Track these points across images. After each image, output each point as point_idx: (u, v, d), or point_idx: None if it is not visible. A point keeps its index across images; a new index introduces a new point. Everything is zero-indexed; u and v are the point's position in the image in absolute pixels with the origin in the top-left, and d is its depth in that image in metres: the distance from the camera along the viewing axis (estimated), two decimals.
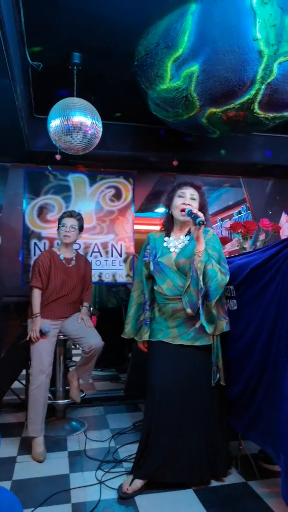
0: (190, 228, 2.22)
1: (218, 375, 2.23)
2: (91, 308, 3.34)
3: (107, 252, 3.87)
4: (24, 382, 3.57)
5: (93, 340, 2.89)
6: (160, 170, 3.93)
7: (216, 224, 6.28)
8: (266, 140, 3.81)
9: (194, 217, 2.03)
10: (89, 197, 3.87)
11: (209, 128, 2.57)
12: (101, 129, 2.56)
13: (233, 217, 5.88)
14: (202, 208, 2.29)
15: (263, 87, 2.16)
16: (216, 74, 2.13)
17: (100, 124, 2.53)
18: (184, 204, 2.22)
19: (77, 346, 4.82)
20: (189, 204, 2.22)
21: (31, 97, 3.02)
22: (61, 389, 3.23)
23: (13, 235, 3.68)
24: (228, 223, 3.63)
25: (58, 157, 3.31)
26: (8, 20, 1.91)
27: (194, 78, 2.18)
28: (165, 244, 2.32)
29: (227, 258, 2.72)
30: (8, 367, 3.57)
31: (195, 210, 2.10)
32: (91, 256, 3.80)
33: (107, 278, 3.85)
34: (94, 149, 2.84)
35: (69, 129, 2.38)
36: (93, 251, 3.85)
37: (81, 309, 3.12)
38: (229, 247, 3.80)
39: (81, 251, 3.74)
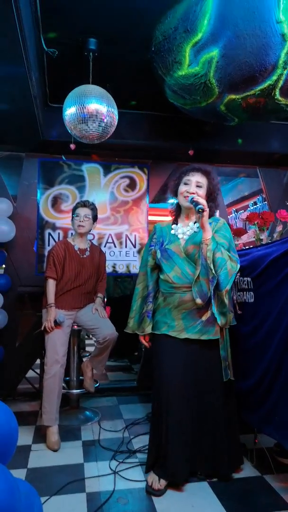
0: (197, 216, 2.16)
1: (229, 371, 2.18)
2: (105, 299, 3.32)
3: (121, 243, 3.84)
4: (38, 371, 3.60)
5: (108, 330, 2.88)
6: (175, 160, 3.86)
7: (231, 215, 6.19)
8: (284, 129, 3.71)
9: (195, 204, 1.98)
10: (103, 187, 3.84)
11: (227, 115, 2.50)
12: (117, 117, 2.52)
13: (249, 208, 5.79)
14: (211, 194, 2.19)
15: (285, 72, 2.09)
16: (237, 59, 2.06)
17: (116, 112, 2.49)
18: (188, 192, 2.12)
19: (91, 337, 4.85)
20: (193, 192, 2.11)
21: (45, 85, 2.98)
22: (75, 379, 3.24)
23: (27, 226, 3.68)
24: (244, 214, 3.58)
25: (72, 146, 3.28)
26: (24, 5, 1.87)
27: (213, 64, 2.11)
28: (172, 232, 2.23)
29: (243, 249, 2.68)
30: (22, 356, 3.59)
31: (197, 198, 2.02)
32: (105, 246, 3.78)
33: (121, 269, 3.83)
34: (109, 138, 2.80)
35: (85, 117, 2.34)
36: (107, 242, 3.83)
37: (95, 299, 3.11)
38: (245, 238, 3.74)
39: (95, 242, 3.72)
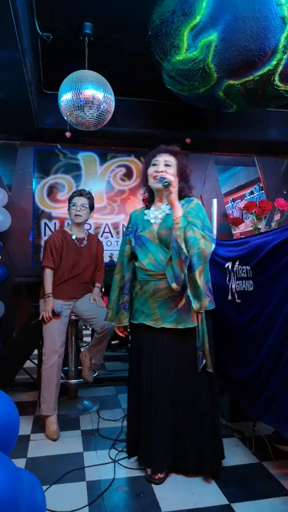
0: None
1: (204, 361, 2.07)
2: (103, 289, 3.31)
3: (118, 233, 3.81)
4: (36, 361, 3.59)
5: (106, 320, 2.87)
6: None
7: (228, 205, 6.16)
8: (282, 116, 3.68)
9: (160, 179, 1.95)
10: (100, 176, 3.80)
11: (226, 102, 2.47)
12: (114, 103, 2.47)
13: (245, 198, 5.77)
14: (182, 174, 2.14)
15: (285, 57, 2.05)
16: (236, 43, 2.02)
17: (112, 98, 2.44)
18: (157, 171, 2.07)
19: (88, 327, 4.84)
20: (162, 171, 2.05)
21: (40, 72, 2.92)
22: (73, 368, 3.24)
23: (23, 215, 3.64)
24: (242, 203, 3.55)
25: (68, 134, 3.23)
26: None
27: (212, 48, 2.07)
28: (145, 218, 2.18)
29: (241, 237, 2.66)
30: (20, 346, 3.58)
31: (165, 174, 1.98)
32: (102, 236, 3.75)
33: None
34: (105, 126, 2.75)
35: (81, 103, 2.30)
36: (104, 232, 3.80)
37: (93, 289, 3.09)
38: (242, 227, 3.73)
39: (91, 232, 3.69)
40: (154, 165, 2.12)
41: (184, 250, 1.88)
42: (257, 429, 2.42)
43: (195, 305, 1.98)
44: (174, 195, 1.94)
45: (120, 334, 2.33)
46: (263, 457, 2.33)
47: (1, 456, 0.69)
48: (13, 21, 1.82)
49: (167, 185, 1.91)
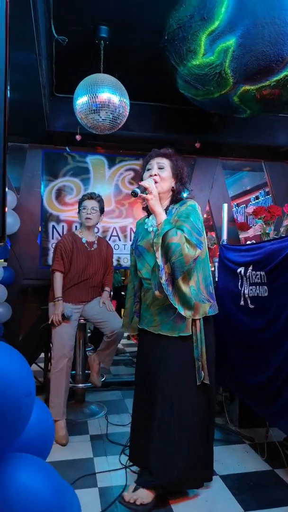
0: (168, 201, 2.05)
1: (202, 373, 1.92)
2: (112, 293, 3.29)
3: (125, 236, 3.80)
4: (42, 365, 3.56)
5: (115, 324, 2.85)
6: (181, 153, 3.73)
7: (233, 210, 6.17)
8: None
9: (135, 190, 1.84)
10: (108, 180, 3.79)
11: (240, 107, 2.47)
12: (128, 107, 2.47)
13: (250, 203, 5.77)
14: (177, 176, 2.04)
15: None
16: (254, 48, 2.02)
17: (127, 102, 2.44)
18: (151, 175, 1.98)
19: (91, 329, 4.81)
20: (155, 174, 1.97)
21: (53, 74, 2.92)
22: (80, 372, 3.22)
23: (31, 218, 3.63)
24: (250, 208, 3.54)
25: (78, 137, 3.22)
26: None
27: (229, 53, 2.07)
28: (145, 226, 2.11)
29: (254, 243, 2.65)
30: (26, 350, 3.55)
31: (142, 182, 1.89)
32: (109, 240, 3.74)
33: (125, 263, 3.79)
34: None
35: (97, 107, 2.29)
36: (111, 235, 3.79)
37: (103, 293, 3.07)
38: (251, 232, 3.73)
39: (99, 235, 3.68)
40: (148, 169, 2.05)
41: (158, 260, 1.81)
42: (269, 436, 2.40)
43: (185, 313, 1.87)
44: (152, 202, 1.85)
45: (135, 341, 2.31)
46: (275, 464, 2.31)
47: (47, 467, 0.67)
48: (32, 24, 1.82)
49: (135, 195, 1.80)
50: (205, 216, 4.22)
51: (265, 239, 3.25)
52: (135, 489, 1.92)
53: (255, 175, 5.33)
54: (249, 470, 2.27)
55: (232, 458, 2.40)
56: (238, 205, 6.25)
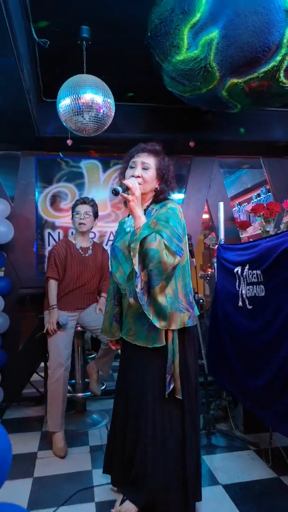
0: (149, 202, 1.91)
1: (172, 385, 1.77)
2: None
3: None
4: (43, 374, 3.50)
5: None
6: (176, 153, 3.75)
7: (234, 209, 6.07)
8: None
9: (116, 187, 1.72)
10: (103, 184, 3.74)
11: (229, 101, 2.39)
12: (113, 107, 2.41)
13: (252, 201, 5.66)
14: (162, 177, 1.89)
15: None
16: (238, 39, 1.94)
17: (112, 102, 2.38)
18: (133, 176, 1.83)
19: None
20: (138, 176, 1.83)
21: (39, 79, 2.88)
22: (80, 381, 3.15)
23: (26, 226, 3.58)
24: (249, 206, 3.46)
25: (69, 142, 3.17)
26: None
27: (213, 46, 2.00)
28: (125, 226, 1.98)
29: (251, 241, 2.57)
30: (26, 360, 3.50)
31: (125, 180, 1.75)
32: (106, 245, 3.67)
33: None
34: (106, 132, 2.69)
35: (80, 108, 2.23)
36: (108, 240, 3.73)
37: (99, 299, 3.00)
38: (251, 231, 3.63)
39: (96, 240, 3.62)
40: (131, 167, 1.88)
41: (135, 267, 1.68)
42: (273, 441, 2.30)
43: (159, 323, 1.73)
44: (133, 203, 1.71)
45: (113, 347, 2.19)
46: (281, 471, 2.21)
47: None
48: (6, 25, 1.77)
49: (115, 193, 1.69)
50: (207, 216, 4.14)
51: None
52: (122, 501, 1.84)
53: (255, 172, 5.23)
54: (254, 478, 2.17)
55: (236, 466, 2.31)
56: (240, 203, 6.15)
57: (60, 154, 3.67)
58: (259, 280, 2.17)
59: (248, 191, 5.83)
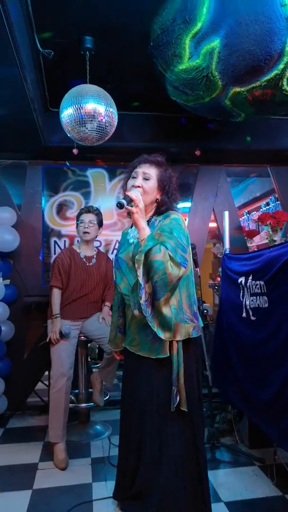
0: (152, 213, 1.89)
1: (178, 398, 1.72)
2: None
3: None
4: (47, 382, 3.49)
5: None
6: (182, 162, 3.74)
7: (243, 218, 6.02)
8: None
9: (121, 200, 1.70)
10: (109, 193, 3.74)
11: (233, 111, 2.37)
12: (116, 116, 2.41)
13: (261, 209, 5.61)
14: (163, 188, 1.87)
15: None
16: (240, 48, 1.93)
17: (115, 111, 2.38)
18: (133, 186, 1.82)
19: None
20: (138, 186, 1.81)
21: (44, 89, 2.90)
22: (83, 391, 3.12)
23: (33, 234, 3.60)
24: (255, 215, 3.42)
25: (75, 151, 3.18)
26: (10, 2, 1.78)
27: (215, 55, 1.99)
28: (127, 237, 1.97)
29: (255, 251, 2.53)
30: (31, 368, 3.49)
31: (128, 192, 1.74)
32: (112, 253, 3.67)
33: None
34: (111, 141, 2.69)
35: (82, 118, 2.24)
36: (114, 248, 3.72)
37: (103, 308, 2.99)
38: (257, 240, 3.59)
39: (101, 249, 3.62)
40: (133, 177, 1.88)
41: (140, 278, 1.66)
42: (278, 457, 2.23)
43: (164, 335, 1.70)
44: (137, 215, 1.70)
45: (116, 357, 2.17)
46: (286, 489, 2.14)
47: None
48: (8, 35, 1.79)
49: (120, 206, 1.66)
50: (215, 225, 4.10)
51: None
52: None
53: (264, 181, 5.18)
54: (258, 495, 2.11)
55: (240, 482, 2.24)
56: (249, 212, 6.10)
57: (67, 163, 3.69)
58: (262, 291, 2.12)
59: (257, 200, 5.77)
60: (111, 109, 2.32)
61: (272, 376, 2.06)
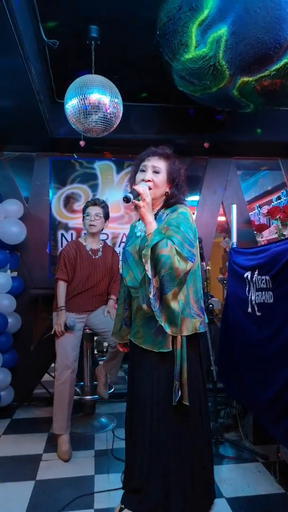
0: (160, 206, 1.88)
1: (180, 393, 1.70)
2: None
3: None
4: (53, 374, 3.51)
5: None
6: (191, 154, 3.69)
7: (254, 211, 5.93)
8: None
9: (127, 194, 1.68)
10: (117, 185, 3.71)
11: (241, 101, 2.31)
12: (121, 107, 2.37)
13: (272, 203, 5.52)
14: (173, 181, 1.86)
15: None
16: (248, 36, 1.87)
17: (120, 102, 2.34)
18: (143, 180, 1.80)
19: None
20: (149, 180, 1.79)
21: (51, 80, 2.87)
22: (88, 384, 3.13)
23: (40, 227, 3.60)
24: (265, 209, 3.36)
25: (82, 143, 3.14)
26: None
27: (222, 43, 1.93)
28: (135, 230, 1.96)
29: (262, 245, 2.48)
30: (37, 360, 3.51)
31: (135, 186, 1.73)
32: (119, 246, 3.65)
33: None
34: (119, 133, 2.65)
35: (87, 109, 2.21)
36: (121, 241, 3.70)
37: (108, 301, 2.98)
38: (266, 234, 3.53)
39: (108, 242, 3.60)
40: (142, 171, 1.85)
41: (148, 272, 1.65)
42: (282, 455, 2.20)
43: (170, 330, 1.69)
44: (144, 209, 1.69)
45: (120, 350, 2.17)
46: None
47: None
48: (10, 25, 1.76)
49: (127, 200, 1.65)
50: (224, 219, 4.05)
51: None
52: (120, 510, 1.79)
53: (275, 174, 5.08)
54: (260, 492, 2.09)
55: (242, 479, 2.22)
56: (260, 206, 6.00)
57: (74, 155, 3.67)
58: (268, 286, 2.08)
59: (268, 194, 5.68)
60: (116, 100, 2.28)
61: (274, 375, 2.02)
